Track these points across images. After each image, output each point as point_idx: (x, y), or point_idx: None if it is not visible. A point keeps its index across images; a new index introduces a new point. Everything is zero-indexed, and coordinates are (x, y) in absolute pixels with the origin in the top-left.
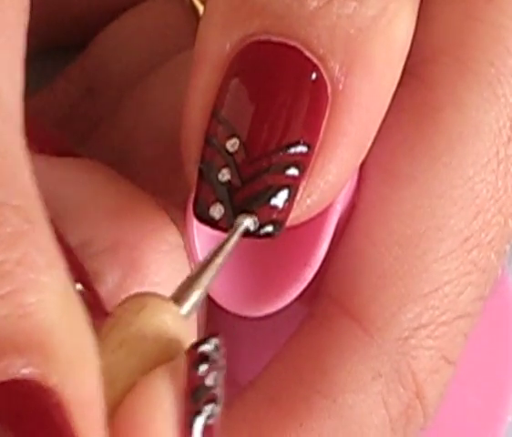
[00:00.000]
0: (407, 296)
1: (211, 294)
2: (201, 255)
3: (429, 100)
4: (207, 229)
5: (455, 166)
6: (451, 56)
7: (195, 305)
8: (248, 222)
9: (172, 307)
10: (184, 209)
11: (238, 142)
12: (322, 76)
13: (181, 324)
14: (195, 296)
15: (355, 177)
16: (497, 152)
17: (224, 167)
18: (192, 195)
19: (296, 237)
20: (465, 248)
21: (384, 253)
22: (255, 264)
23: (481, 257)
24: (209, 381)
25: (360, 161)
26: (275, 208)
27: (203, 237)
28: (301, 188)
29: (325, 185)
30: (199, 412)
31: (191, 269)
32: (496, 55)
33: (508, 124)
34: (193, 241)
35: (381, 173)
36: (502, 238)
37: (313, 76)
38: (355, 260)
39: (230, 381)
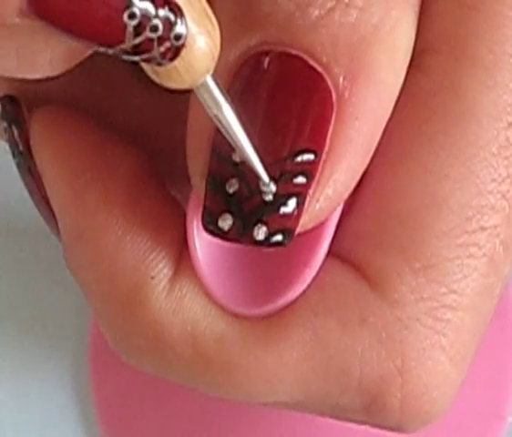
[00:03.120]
0: (405, 265)
1: (212, 294)
2: (201, 256)
3: (424, 85)
4: None
5: (451, 144)
6: (447, 45)
7: None
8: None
9: None
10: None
11: None
12: (327, 84)
13: None
14: None
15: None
16: (497, 136)
17: (232, 177)
18: (193, 198)
19: (296, 238)
20: (467, 228)
21: (377, 226)
22: (255, 264)
23: (485, 241)
24: None
25: (365, 166)
26: (285, 216)
27: (203, 238)
28: (309, 196)
29: (333, 192)
30: None
31: None
32: (495, 42)
33: (509, 109)
34: (193, 242)
35: (373, 155)
36: (508, 228)
37: (318, 84)
38: (351, 235)
39: None
